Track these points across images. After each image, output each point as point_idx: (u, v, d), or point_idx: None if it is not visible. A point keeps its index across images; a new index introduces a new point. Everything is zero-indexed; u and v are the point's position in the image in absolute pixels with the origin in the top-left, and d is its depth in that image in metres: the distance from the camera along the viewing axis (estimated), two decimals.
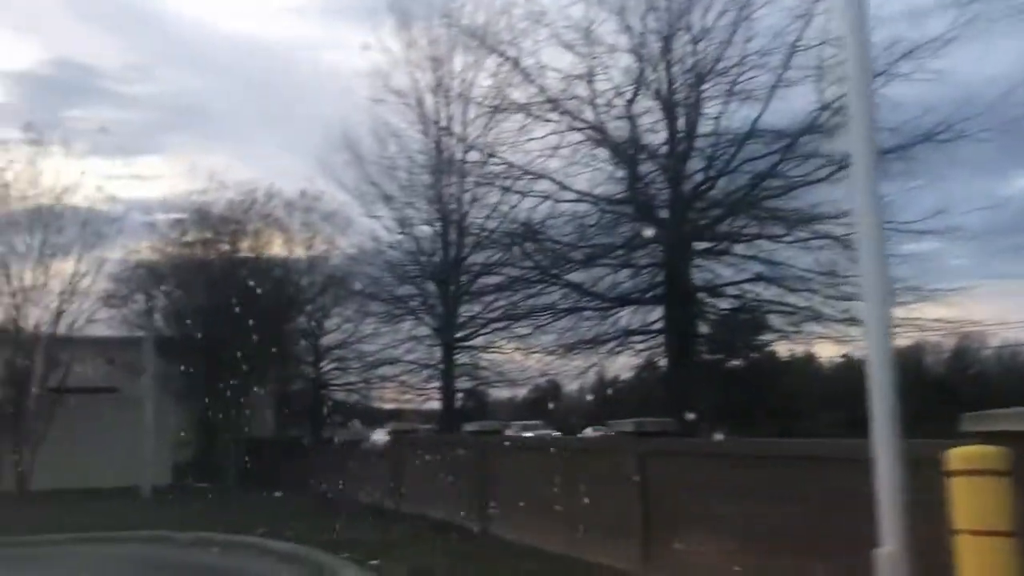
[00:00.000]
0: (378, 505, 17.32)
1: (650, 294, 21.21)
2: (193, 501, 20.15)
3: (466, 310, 30.52)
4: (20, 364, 21.92)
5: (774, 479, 7.94)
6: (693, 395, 19.19)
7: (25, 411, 22.09)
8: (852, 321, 20.38)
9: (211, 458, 26.52)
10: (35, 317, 22.38)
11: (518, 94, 22.03)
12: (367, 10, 55.16)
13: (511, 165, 22.00)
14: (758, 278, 21.30)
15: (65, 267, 23.39)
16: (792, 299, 21.46)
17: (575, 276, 21.89)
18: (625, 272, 21.39)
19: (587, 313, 21.98)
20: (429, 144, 30.51)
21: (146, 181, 70.52)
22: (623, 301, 21.27)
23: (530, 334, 29.02)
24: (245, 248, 24.88)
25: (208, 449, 27.55)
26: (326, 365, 43.76)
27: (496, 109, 22.86)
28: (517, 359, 31.94)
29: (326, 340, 42.69)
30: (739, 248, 21.18)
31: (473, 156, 27.05)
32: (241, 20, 77.74)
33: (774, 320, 22.59)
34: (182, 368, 26.53)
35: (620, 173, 21.33)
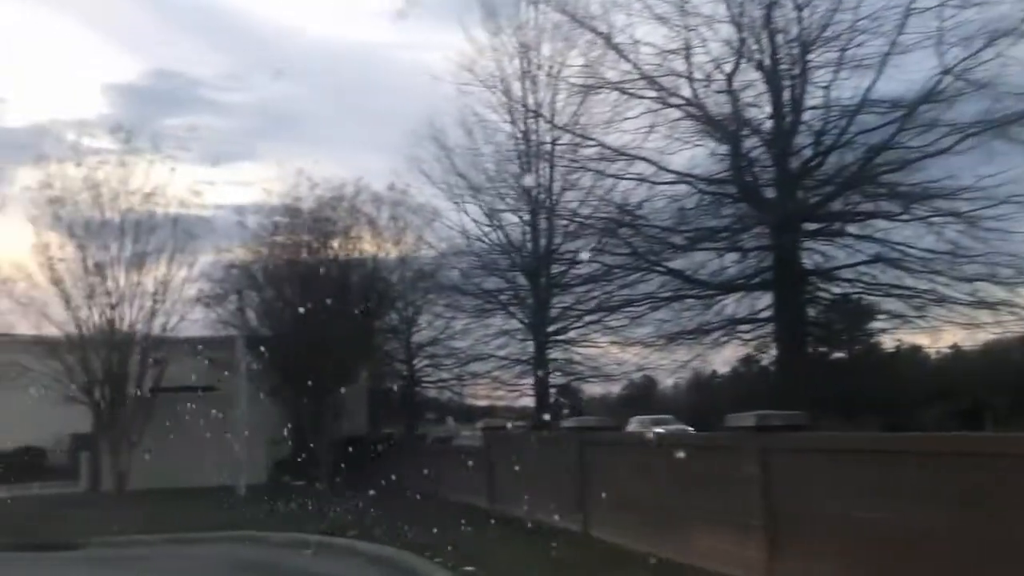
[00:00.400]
0: (472, 504, 16.57)
1: (757, 279, 19.84)
2: (287, 500, 19.80)
3: (558, 302, 29.66)
4: (116, 365, 22.01)
5: (927, 478, 6.76)
6: (806, 386, 17.73)
7: (122, 411, 22.20)
8: (981, 304, 18.64)
9: (306, 456, 26.32)
10: (130, 318, 22.43)
11: (611, 73, 20.98)
12: (454, 8, 54.63)
13: (604, 146, 20.86)
14: (875, 260, 19.66)
15: (159, 269, 23.45)
16: (911, 282, 19.80)
17: (675, 263, 20.63)
18: (730, 257, 20.07)
19: (689, 301, 20.72)
20: (517, 133, 29.80)
21: (240, 186, 72.03)
22: (728, 288, 19.94)
23: (626, 326, 28.03)
24: (335, 245, 24.51)
25: (303, 447, 27.39)
26: (418, 362, 43.72)
27: (588, 89, 21.84)
28: (612, 353, 30.95)
29: (417, 338, 42.70)
30: (852, 228, 19.63)
31: (564, 141, 26.03)
32: (330, 26, 78.75)
33: (892, 305, 20.87)
34: (276, 367, 26.43)
35: (721, 151, 20.04)
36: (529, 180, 29.46)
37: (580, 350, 31.37)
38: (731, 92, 19.58)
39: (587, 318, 29.30)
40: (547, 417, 27.66)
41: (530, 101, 29.41)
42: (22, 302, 21.59)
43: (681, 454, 9.69)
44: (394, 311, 35.88)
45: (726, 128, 19.75)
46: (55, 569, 14.68)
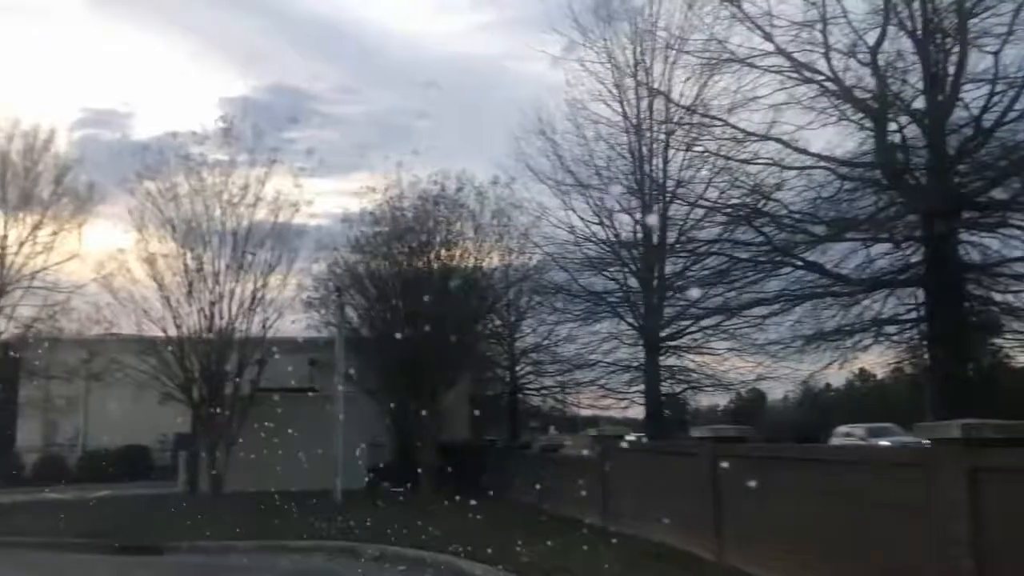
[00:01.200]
0: (582, 520, 14.96)
1: (906, 275, 17.54)
2: (385, 508, 18.61)
3: (672, 304, 27.76)
4: (214, 363, 21.34)
5: None
6: (969, 397, 15.37)
7: (219, 411, 21.50)
8: None
9: (406, 462, 25.21)
10: (230, 318, 21.71)
11: (740, 50, 19.04)
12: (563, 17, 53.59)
13: (730, 125, 18.79)
14: None
15: (263, 273, 22.77)
16: None
17: (810, 256, 18.43)
18: (877, 249, 17.74)
19: (828, 300, 18.48)
20: (629, 127, 28.12)
21: (351, 197, 72.72)
22: (875, 284, 17.68)
23: (744, 331, 26.00)
24: (437, 243, 23.32)
25: (403, 453, 26.30)
26: (521, 369, 42.34)
27: (713, 65, 19.96)
28: (724, 361, 28.85)
29: (520, 344, 41.28)
30: (1019, 218, 17.10)
31: (683, 125, 24.10)
32: (444, 39, 78.91)
33: None
34: (376, 369, 25.46)
35: (864, 132, 17.82)
36: (641, 173, 27.77)
37: (694, 357, 29.41)
38: (876, 65, 17.34)
39: (704, 322, 27.35)
40: (664, 428, 25.80)
41: (645, 83, 27.79)
42: (125, 302, 21.12)
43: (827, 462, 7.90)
44: (497, 315, 34.74)
45: (869, 106, 17.55)
46: None
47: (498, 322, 37.29)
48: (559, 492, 16.47)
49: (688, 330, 28.17)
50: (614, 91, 28.19)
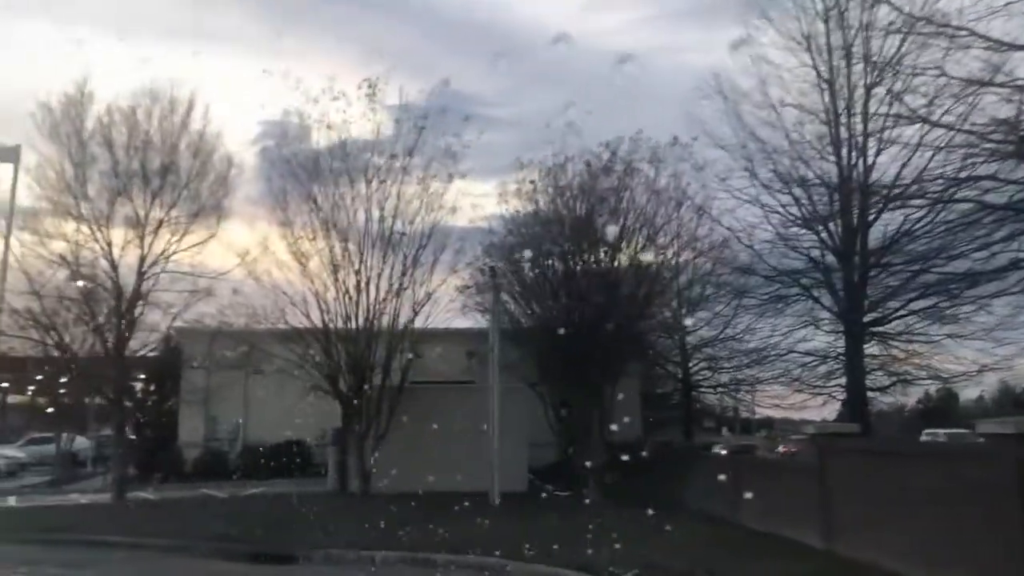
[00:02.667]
0: (793, 539, 11.88)
1: None
2: (546, 515, 16.08)
3: (874, 282, 23.76)
4: (361, 354, 19.49)
5: None
6: None
7: (368, 405, 19.65)
8: None
9: (570, 464, 22.60)
10: (376, 301, 19.79)
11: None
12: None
13: (973, 33, 14.74)
14: None
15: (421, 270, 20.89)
16: None
17: None
18: None
19: None
20: (821, 83, 24.36)
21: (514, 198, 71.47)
22: None
23: (968, 310, 21.88)
24: (605, 215, 20.55)
25: (567, 453, 23.69)
26: (695, 364, 38.76)
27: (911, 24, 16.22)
28: (936, 351, 24.51)
29: (692, 338, 37.72)
30: None
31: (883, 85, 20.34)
32: (604, 36, 76.36)
33: None
34: (538, 362, 23.04)
35: None
36: (836, 133, 23.96)
37: (901, 345, 25.18)
38: None
39: (916, 303, 23.28)
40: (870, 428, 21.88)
41: (839, 39, 24.02)
42: (269, 288, 19.62)
43: None
44: (667, 302, 31.55)
45: None
46: None
47: (667, 313, 34.20)
48: (757, 503, 13.38)
49: (897, 313, 24.13)
50: (802, 41, 24.52)
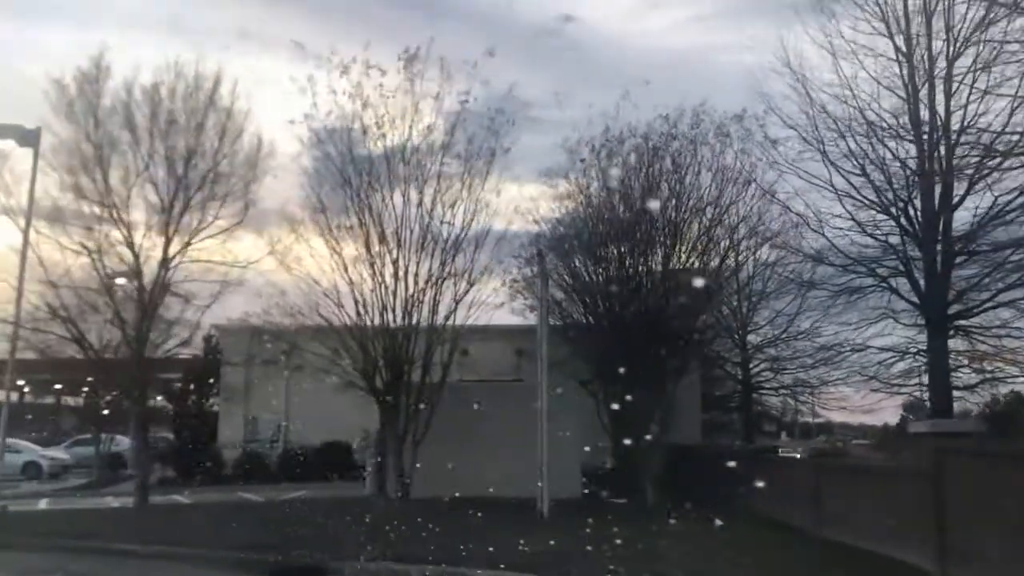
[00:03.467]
0: (894, 559, 10.08)
1: None
2: (601, 525, 14.39)
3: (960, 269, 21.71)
4: (399, 349, 18.03)
5: None
6: None
7: (407, 404, 18.18)
8: None
9: (627, 467, 20.88)
10: (415, 290, 18.30)
11: None
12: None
13: None
14: None
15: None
16: None
17: None
18: None
19: None
20: (899, 56, 22.36)
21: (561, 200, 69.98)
22: None
23: None
24: (664, 194, 18.79)
25: (624, 457, 21.96)
26: (756, 365, 36.74)
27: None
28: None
29: (754, 338, 35.70)
30: None
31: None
32: (650, 37, 74.36)
33: None
34: (590, 359, 21.34)
35: None
36: (915, 110, 21.99)
37: (989, 340, 22.99)
38: None
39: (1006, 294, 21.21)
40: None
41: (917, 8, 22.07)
42: (300, 277, 18.24)
43: None
44: (727, 298, 29.65)
45: None
46: None
47: (726, 311, 32.26)
48: (849, 513, 11.57)
49: (984, 305, 22.04)
50: (877, 9, 22.55)
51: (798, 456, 21.02)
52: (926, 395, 23.18)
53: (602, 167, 19.24)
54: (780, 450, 25.72)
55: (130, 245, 17.84)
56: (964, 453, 8.88)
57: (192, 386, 32.54)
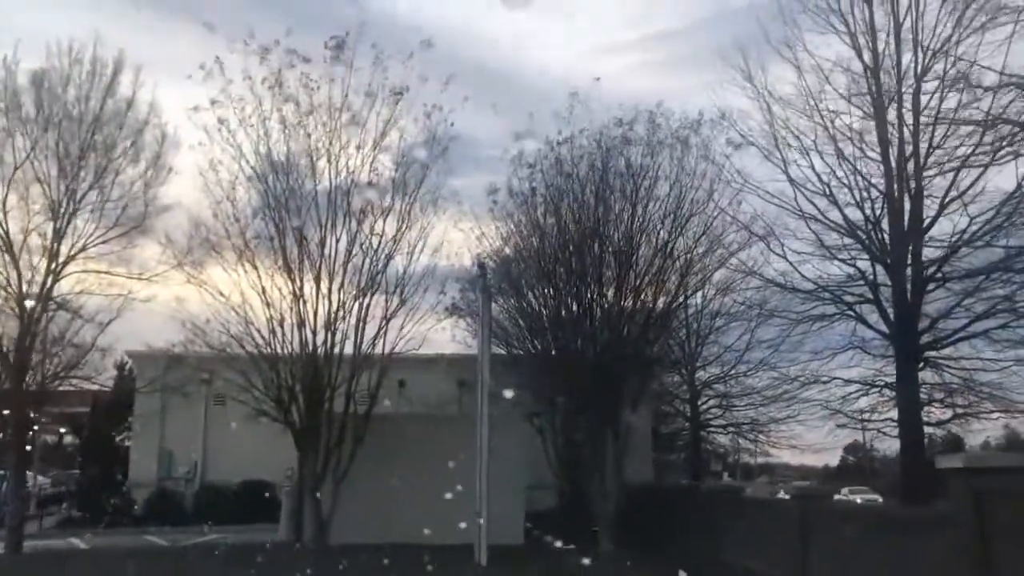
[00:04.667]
0: None
1: None
2: None
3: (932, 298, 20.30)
4: (317, 378, 15.81)
5: None
6: None
7: (323, 440, 15.92)
8: None
9: (575, 509, 18.87)
10: (334, 311, 16.13)
11: None
12: None
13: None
14: None
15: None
16: None
17: None
18: None
19: None
20: (864, 69, 21.11)
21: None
22: None
23: None
24: (615, 205, 17.00)
25: (572, 497, 19.95)
26: (704, 402, 35.16)
27: None
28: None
29: (702, 374, 34.16)
30: None
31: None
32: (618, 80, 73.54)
33: None
34: (535, 391, 19.33)
35: None
36: (883, 127, 20.71)
37: (957, 371, 21.57)
38: None
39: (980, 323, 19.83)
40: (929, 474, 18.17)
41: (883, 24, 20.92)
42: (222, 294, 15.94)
43: None
44: (675, 329, 27.93)
45: None
46: None
47: (674, 347, 30.63)
48: (848, 569, 9.68)
49: (952, 337, 20.64)
50: (841, 24, 21.35)
51: (782, 496, 19.18)
52: (895, 432, 21.57)
53: (548, 179, 17.43)
54: (747, 490, 23.98)
55: (8, 249, 15.41)
56: (1009, 492, 7.00)
57: (103, 418, 29.94)
